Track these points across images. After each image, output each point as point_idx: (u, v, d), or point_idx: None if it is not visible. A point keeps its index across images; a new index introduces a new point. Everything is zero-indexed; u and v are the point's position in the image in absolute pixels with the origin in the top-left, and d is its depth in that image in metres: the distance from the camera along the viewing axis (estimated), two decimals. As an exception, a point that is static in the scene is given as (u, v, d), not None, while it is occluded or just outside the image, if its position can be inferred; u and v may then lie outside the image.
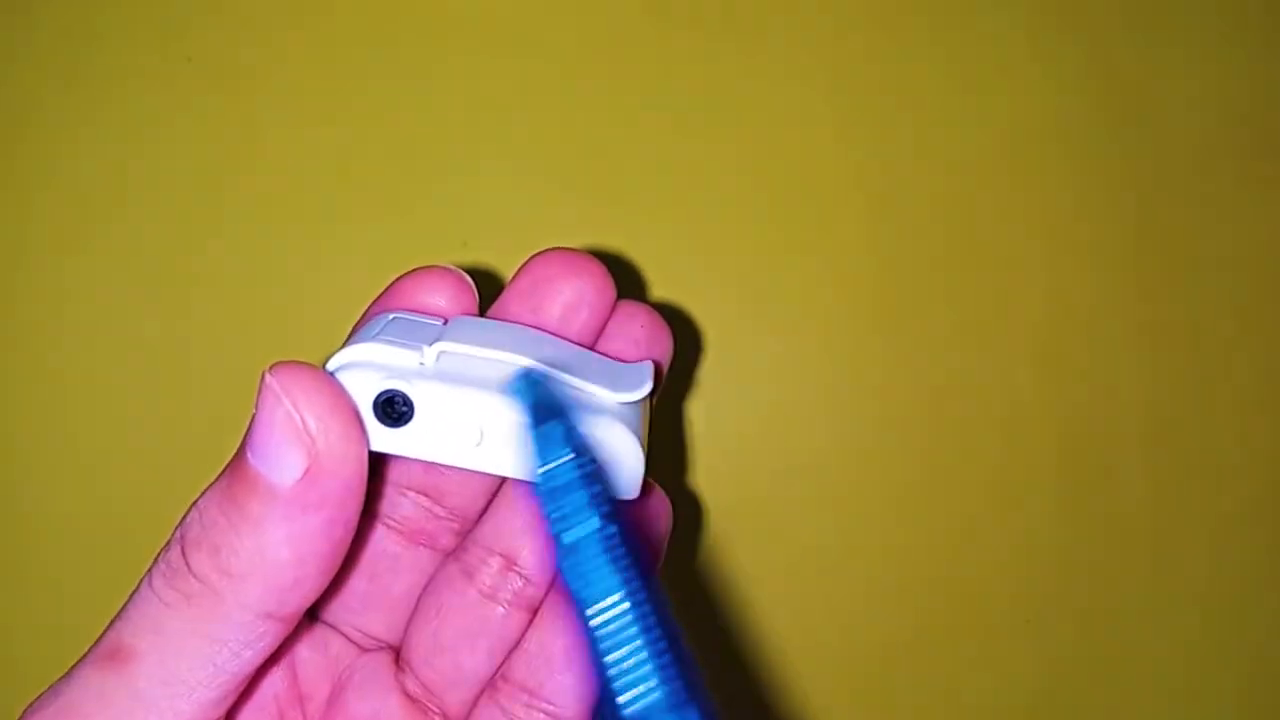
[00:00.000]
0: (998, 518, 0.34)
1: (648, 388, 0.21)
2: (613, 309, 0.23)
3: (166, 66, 0.33)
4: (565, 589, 0.15)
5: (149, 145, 0.33)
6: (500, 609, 0.22)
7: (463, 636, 0.22)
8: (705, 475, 0.34)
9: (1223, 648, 0.34)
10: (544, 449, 0.16)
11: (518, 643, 0.22)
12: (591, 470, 0.15)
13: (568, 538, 0.15)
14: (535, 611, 0.23)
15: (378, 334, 0.20)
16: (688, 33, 0.34)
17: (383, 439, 0.19)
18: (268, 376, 0.17)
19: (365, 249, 0.33)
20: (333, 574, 0.19)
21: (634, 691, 0.14)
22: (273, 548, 0.17)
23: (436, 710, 0.23)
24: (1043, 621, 0.33)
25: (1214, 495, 0.33)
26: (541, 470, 0.16)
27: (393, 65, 0.34)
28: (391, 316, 0.21)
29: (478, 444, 0.19)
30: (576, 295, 0.22)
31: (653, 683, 0.14)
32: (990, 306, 0.33)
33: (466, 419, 0.19)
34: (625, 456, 0.20)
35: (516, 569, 0.22)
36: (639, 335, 0.23)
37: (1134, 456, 0.33)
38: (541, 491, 0.15)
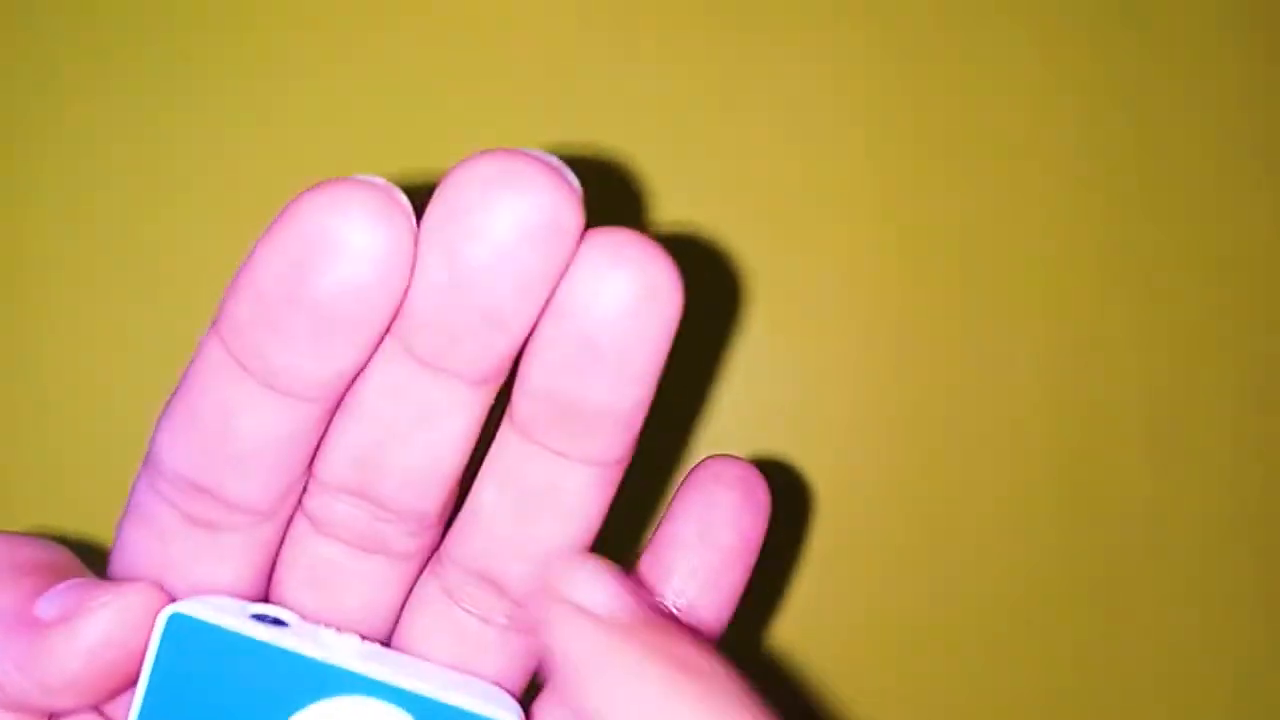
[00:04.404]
0: (1001, 517, 0.32)
1: None
2: (580, 241, 0.14)
3: (163, 63, 0.32)
4: None
5: (147, 143, 0.32)
6: (493, 632, 0.18)
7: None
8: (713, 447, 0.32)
9: (1223, 648, 0.33)
10: None
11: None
12: None
13: None
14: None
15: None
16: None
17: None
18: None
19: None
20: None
21: None
22: None
23: None
24: (1043, 621, 0.33)
25: (1216, 495, 0.33)
26: None
27: (388, 59, 0.31)
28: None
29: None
30: (514, 225, 0.14)
31: None
32: (995, 303, 0.32)
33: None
34: None
35: (503, 591, 0.18)
36: (621, 289, 0.14)
37: (1137, 458, 0.32)
38: None
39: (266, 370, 0.15)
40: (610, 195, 0.28)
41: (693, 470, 0.19)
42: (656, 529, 0.19)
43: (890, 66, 0.31)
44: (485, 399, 0.16)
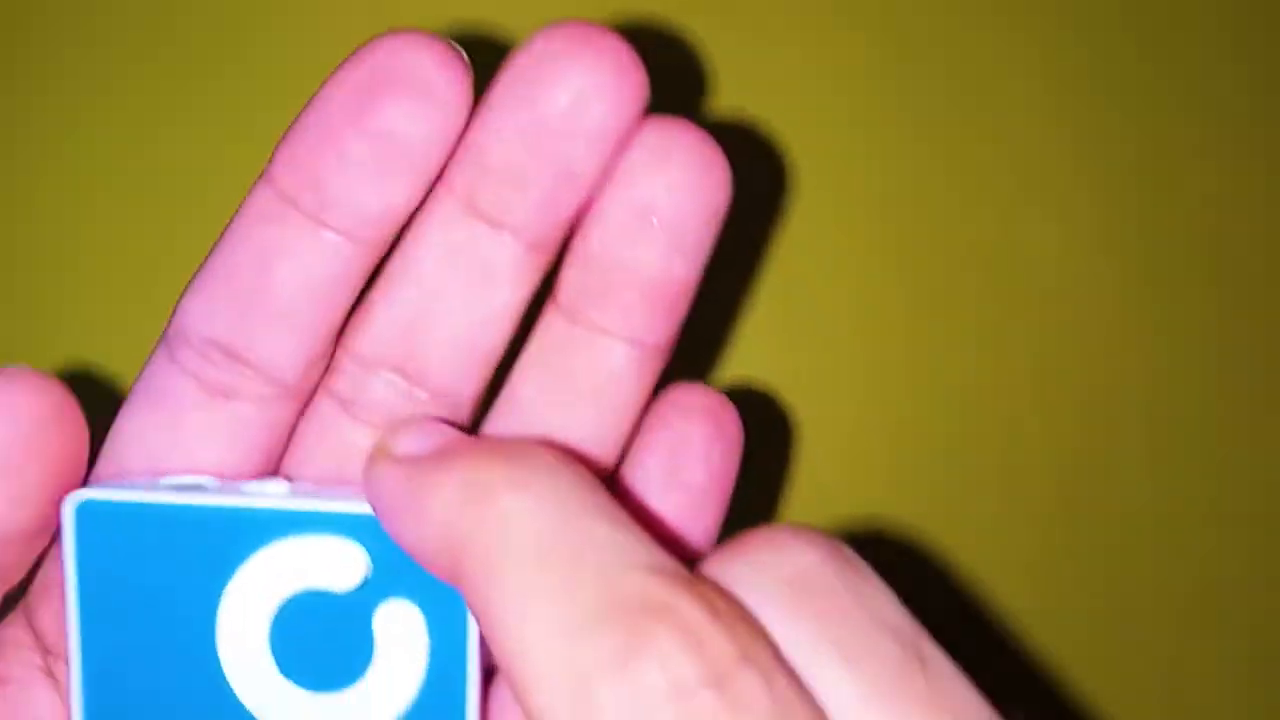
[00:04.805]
0: (1004, 514, 0.33)
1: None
2: (640, 120, 0.16)
3: (161, 63, 0.31)
4: None
5: (147, 143, 0.31)
6: None
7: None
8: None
9: (1224, 649, 0.34)
10: None
11: None
12: None
13: None
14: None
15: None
16: None
17: None
18: None
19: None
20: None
21: None
22: None
23: None
24: (1043, 622, 0.33)
25: (1215, 494, 0.33)
26: None
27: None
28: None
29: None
30: (591, 81, 0.16)
31: None
32: (995, 304, 0.32)
33: None
34: None
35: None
36: (675, 179, 0.16)
37: (1137, 461, 0.33)
38: None
39: (320, 203, 0.16)
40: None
41: (654, 402, 0.18)
42: (617, 470, 0.18)
43: (910, 32, 0.31)
44: (537, 271, 0.17)
